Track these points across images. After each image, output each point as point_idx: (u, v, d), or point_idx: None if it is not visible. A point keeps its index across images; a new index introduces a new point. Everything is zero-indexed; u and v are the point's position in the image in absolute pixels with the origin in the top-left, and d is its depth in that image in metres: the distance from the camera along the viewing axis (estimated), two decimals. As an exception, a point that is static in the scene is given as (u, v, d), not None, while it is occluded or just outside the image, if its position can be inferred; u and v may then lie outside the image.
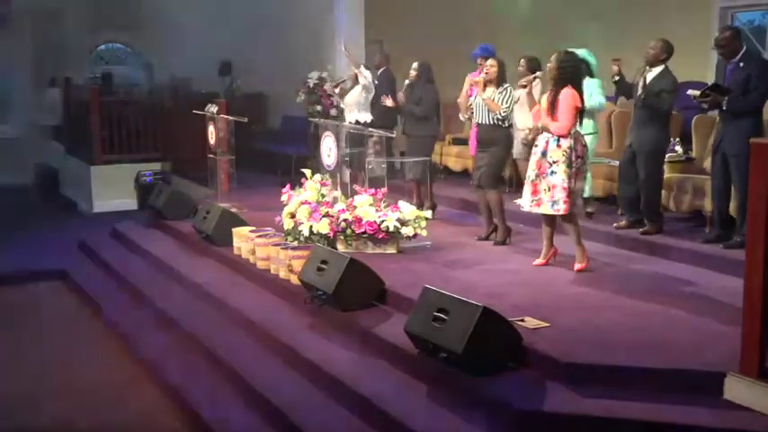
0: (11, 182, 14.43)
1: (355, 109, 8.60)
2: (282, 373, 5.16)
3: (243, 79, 13.30)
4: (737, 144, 6.06)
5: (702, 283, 5.78)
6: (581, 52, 7.20)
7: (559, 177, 5.89)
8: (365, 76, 8.54)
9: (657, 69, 6.69)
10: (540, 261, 6.27)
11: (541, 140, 6.02)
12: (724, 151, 6.26)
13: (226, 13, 14.27)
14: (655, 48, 6.69)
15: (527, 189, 6.08)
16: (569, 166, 5.89)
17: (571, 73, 5.98)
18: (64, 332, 7.02)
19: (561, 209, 5.92)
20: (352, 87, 8.84)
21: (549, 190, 5.93)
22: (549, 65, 6.04)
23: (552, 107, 5.93)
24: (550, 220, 6.17)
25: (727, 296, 5.21)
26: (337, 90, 9.31)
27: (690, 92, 6.39)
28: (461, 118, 8.05)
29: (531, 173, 6.05)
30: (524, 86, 6.36)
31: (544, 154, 5.96)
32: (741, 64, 6.19)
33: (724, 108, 6.20)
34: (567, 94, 5.91)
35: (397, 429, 4.17)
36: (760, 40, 10.10)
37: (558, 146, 5.91)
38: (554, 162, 5.91)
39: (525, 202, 6.10)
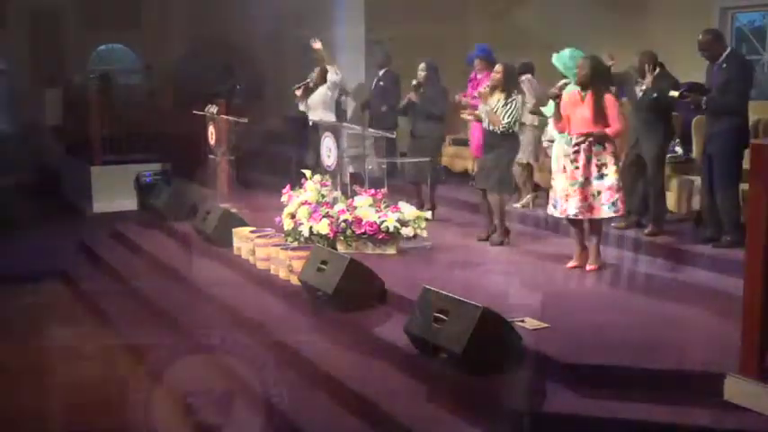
0: (11, 182, 14.43)
1: (320, 108, 8.58)
2: (282, 374, 5.15)
3: (244, 81, 13.30)
4: (718, 144, 6.19)
5: (702, 283, 5.78)
6: (567, 52, 7.19)
7: (612, 179, 5.91)
8: (337, 73, 8.51)
9: (646, 81, 6.75)
10: (573, 263, 6.20)
11: (582, 145, 5.92)
12: (708, 152, 6.32)
13: (225, 13, 14.27)
14: (642, 61, 6.78)
15: (573, 195, 5.93)
16: (618, 166, 5.97)
17: (605, 77, 6.04)
18: (64, 333, 7.01)
19: (620, 209, 5.98)
20: (316, 87, 8.79)
21: (600, 194, 5.90)
22: (580, 71, 5.96)
23: (597, 116, 5.89)
24: (579, 223, 6.12)
25: (727, 297, 5.21)
26: (299, 93, 9.08)
27: (671, 93, 6.44)
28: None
29: (578, 179, 5.90)
30: (557, 96, 6.12)
31: (589, 158, 5.89)
32: (724, 65, 6.25)
33: (703, 107, 6.27)
34: (612, 99, 5.98)
35: (396, 429, 4.17)
36: (760, 41, 10.09)
37: (605, 149, 5.91)
38: (603, 164, 5.90)
39: (571, 209, 5.96)
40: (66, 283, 8.46)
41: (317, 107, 8.60)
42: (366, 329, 5.32)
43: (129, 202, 11.62)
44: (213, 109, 9.24)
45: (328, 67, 8.55)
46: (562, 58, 7.15)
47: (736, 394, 3.95)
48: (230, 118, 9.10)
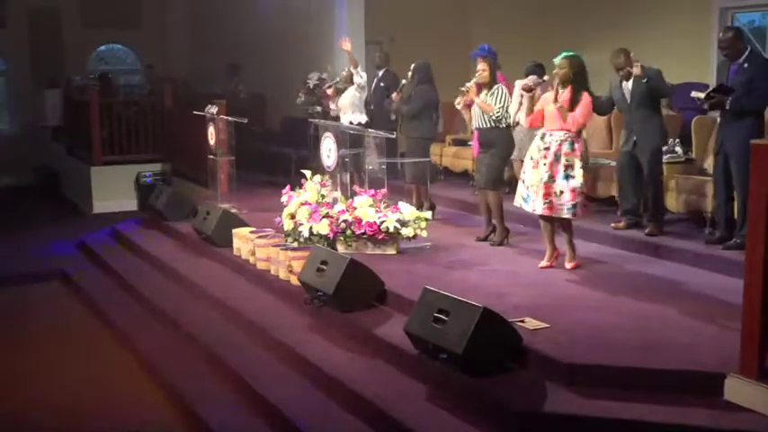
0: (11, 182, 14.44)
1: (350, 110, 8.59)
2: (282, 374, 5.16)
3: (245, 81, 13.33)
4: (738, 144, 6.09)
5: (702, 283, 5.78)
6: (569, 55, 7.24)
7: (578, 181, 5.87)
8: (362, 75, 8.53)
9: (636, 70, 6.73)
10: (545, 263, 6.24)
11: (553, 143, 5.93)
12: (725, 152, 6.28)
13: (226, 13, 14.27)
14: (625, 61, 6.76)
15: (538, 192, 5.94)
16: (585, 169, 5.93)
17: (584, 76, 6.02)
18: (63, 333, 7.02)
19: (578, 213, 5.92)
20: (345, 88, 8.82)
21: (562, 194, 5.87)
22: (560, 68, 5.98)
23: (572, 108, 5.91)
24: (551, 221, 6.16)
25: (727, 297, 5.22)
26: (330, 92, 9.25)
27: (694, 94, 6.40)
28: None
29: (542, 175, 5.91)
30: (530, 90, 6.20)
31: (557, 156, 5.90)
32: (745, 65, 6.20)
33: (727, 108, 6.22)
34: (587, 97, 5.96)
35: (396, 430, 4.17)
36: (760, 41, 10.10)
37: (573, 149, 5.90)
38: (569, 165, 5.88)
39: (537, 206, 5.97)
40: (66, 283, 8.47)
41: (347, 109, 8.61)
42: (366, 329, 5.32)
43: (129, 202, 11.65)
44: (213, 109, 9.24)
45: (353, 70, 8.57)
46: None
47: (736, 394, 3.95)
48: (230, 118, 9.10)
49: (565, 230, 6.14)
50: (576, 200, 5.89)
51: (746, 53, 6.25)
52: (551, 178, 5.90)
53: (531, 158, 6.06)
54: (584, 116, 5.95)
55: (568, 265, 6.13)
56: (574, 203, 5.88)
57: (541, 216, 6.10)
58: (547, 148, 5.95)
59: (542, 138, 6.04)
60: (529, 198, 6.04)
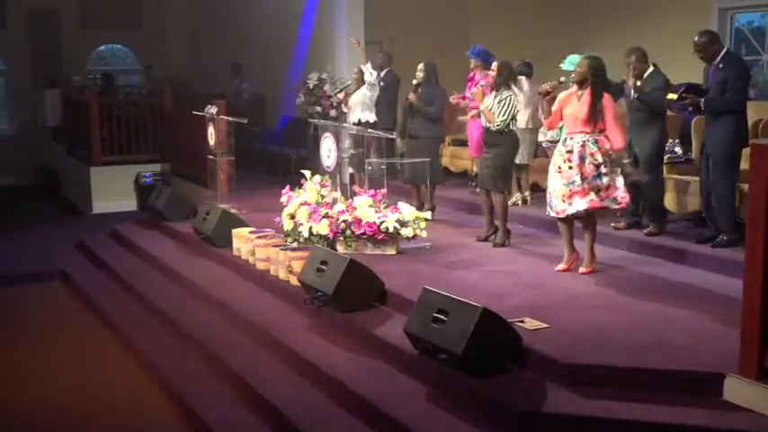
0: (11, 182, 14.45)
1: (359, 108, 8.59)
2: (282, 374, 5.16)
3: (248, 81, 13.36)
4: (716, 143, 6.18)
5: (702, 283, 5.78)
6: (575, 57, 7.25)
7: (608, 177, 5.85)
8: (371, 73, 8.54)
9: (647, 72, 6.75)
10: (562, 266, 6.16)
11: (575, 146, 5.87)
12: (707, 152, 6.33)
13: (226, 13, 14.28)
14: (635, 62, 6.74)
15: (576, 193, 5.84)
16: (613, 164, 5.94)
17: (603, 79, 5.97)
18: (63, 333, 7.02)
19: (622, 203, 5.92)
20: (357, 89, 8.81)
21: (606, 189, 5.84)
22: (578, 66, 5.97)
23: (593, 114, 5.82)
24: (570, 223, 6.08)
25: (727, 297, 5.22)
26: (341, 96, 9.26)
27: (669, 95, 6.43)
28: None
29: (573, 178, 5.84)
30: (548, 93, 6.06)
31: (583, 158, 5.83)
32: (720, 65, 6.24)
33: (702, 109, 6.26)
34: (610, 100, 5.89)
35: (395, 430, 4.17)
36: (759, 41, 10.11)
37: (599, 148, 5.84)
38: (600, 164, 5.83)
39: (573, 208, 5.86)
40: (66, 283, 8.47)
41: (356, 107, 8.61)
42: (366, 329, 5.32)
43: (129, 203, 11.65)
44: (213, 109, 9.24)
45: (362, 68, 8.58)
46: (573, 62, 7.23)
47: (736, 394, 3.96)
48: (230, 118, 9.10)
49: (588, 235, 6.06)
50: (614, 193, 5.86)
51: (721, 54, 6.28)
52: (584, 180, 5.84)
53: (554, 165, 6.01)
54: (619, 134, 5.88)
55: (582, 269, 6.06)
56: (615, 196, 5.87)
57: (560, 219, 6.03)
58: (570, 152, 5.90)
59: (564, 142, 5.99)
60: (554, 204, 5.98)
